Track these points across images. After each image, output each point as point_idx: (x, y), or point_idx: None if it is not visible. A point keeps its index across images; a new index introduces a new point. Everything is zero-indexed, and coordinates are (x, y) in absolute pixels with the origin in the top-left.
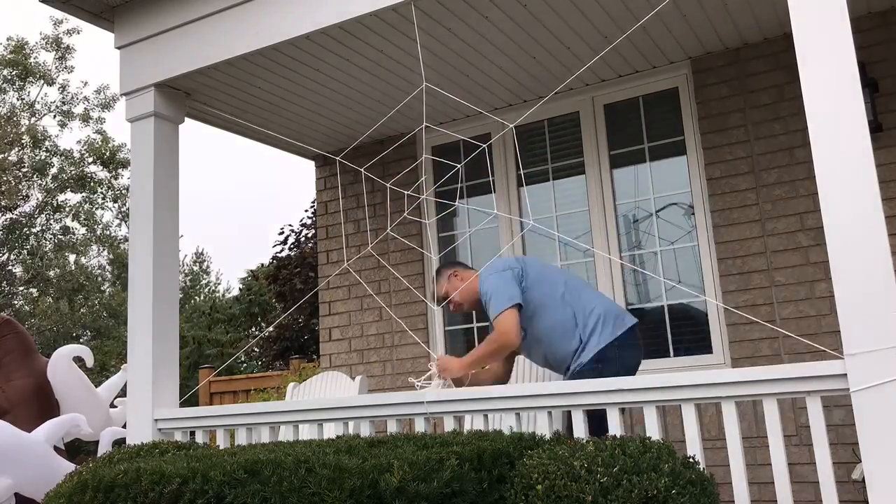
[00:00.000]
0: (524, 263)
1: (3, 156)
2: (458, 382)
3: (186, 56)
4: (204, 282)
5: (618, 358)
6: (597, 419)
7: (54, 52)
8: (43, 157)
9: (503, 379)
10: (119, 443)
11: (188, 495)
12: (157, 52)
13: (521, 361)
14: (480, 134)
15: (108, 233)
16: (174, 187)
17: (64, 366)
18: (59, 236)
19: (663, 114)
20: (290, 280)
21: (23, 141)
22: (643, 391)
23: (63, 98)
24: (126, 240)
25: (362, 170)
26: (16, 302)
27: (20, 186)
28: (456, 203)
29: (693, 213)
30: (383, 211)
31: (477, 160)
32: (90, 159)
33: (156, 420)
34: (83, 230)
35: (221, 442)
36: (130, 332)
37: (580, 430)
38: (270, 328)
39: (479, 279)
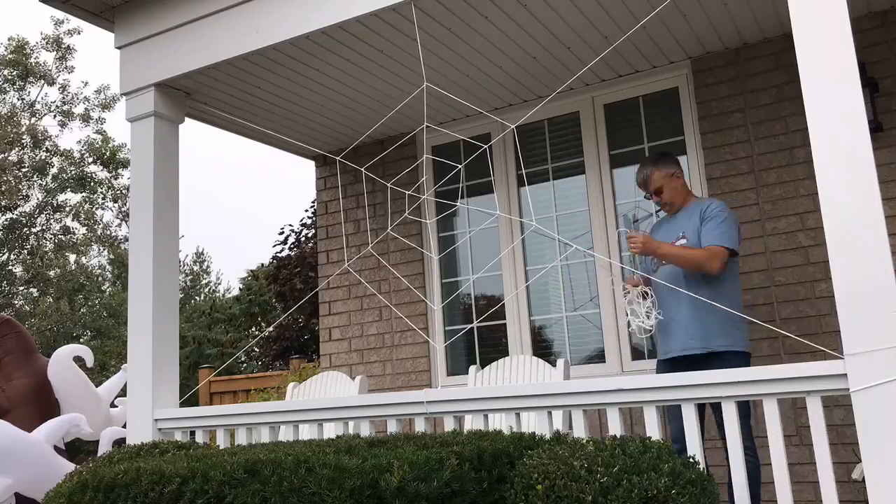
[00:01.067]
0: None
1: (3, 155)
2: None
3: (186, 56)
4: (204, 282)
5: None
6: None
7: (55, 52)
8: (43, 157)
9: None
10: (119, 442)
11: (188, 495)
12: (157, 51)
13: (521, 361)
14: (481, 134)
15: (108, 233)
16: (174, 187)
17: (64, 366)
18: (60, 236)
19: (663, 114)
20: (291, 280)
21: (23, 141)
22: (643, 391)
23: (63, 98)
24: (126, 240)
25: (362, 169)
26: (16, 302)
27: (20, 186)
28: (456, 203)
29: None
30: (383, 211)
31: (477, 160)
32: (90, 159)
33: (156, 420)
34: (83, 230)
35: (221, 442)
36: (130, 332)
37: (580, 429)
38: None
39: (708, 199)
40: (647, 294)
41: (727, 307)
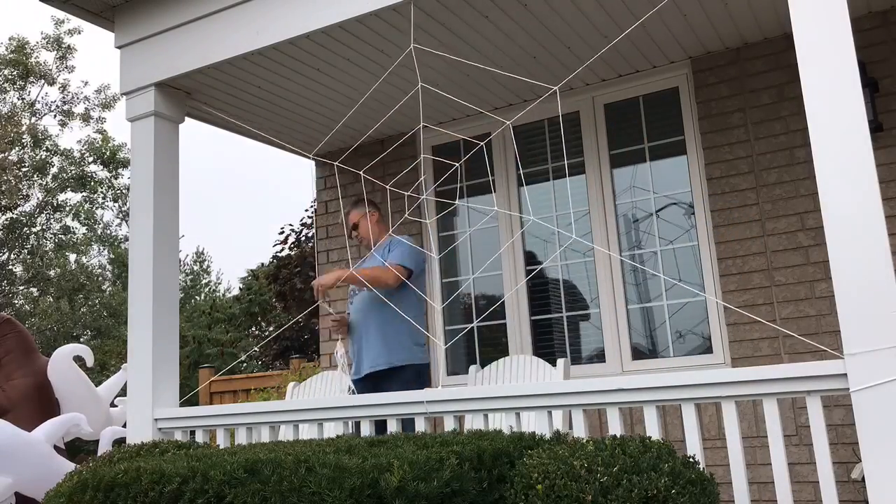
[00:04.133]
0: (428, 263)
1: (3, 155)
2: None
3: (187, 55)
4: (204, 281)
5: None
6: None
7: (55, 52)
8: (43, 157)
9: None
10: (119, 442)
11: (188, 495)
12: (157, 51)
13: (521, 361)
14: (480, 133)
15: (108, 232)
16: (174, 187)
17: (64, 365)
18: (60, 236)
19: (663, 113)
20: (291, 280)
21: (23, 140)
22: (643, 391)
23: (64, 98)
24: (126, 239)
25: (361, 172)
26: (16, 301)
27: (21, 186)
28: (456, 202)
29: (693, 213)
30: (383, 211)
31: (477, 160)
32: (90, 159)
33: (156, 419)
34: (83, 230)
35: (221, 441)
36: (130, 332)
37: (580, 429)
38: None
39: (392, 234)
40: (338, 343)
41: (407, 325)
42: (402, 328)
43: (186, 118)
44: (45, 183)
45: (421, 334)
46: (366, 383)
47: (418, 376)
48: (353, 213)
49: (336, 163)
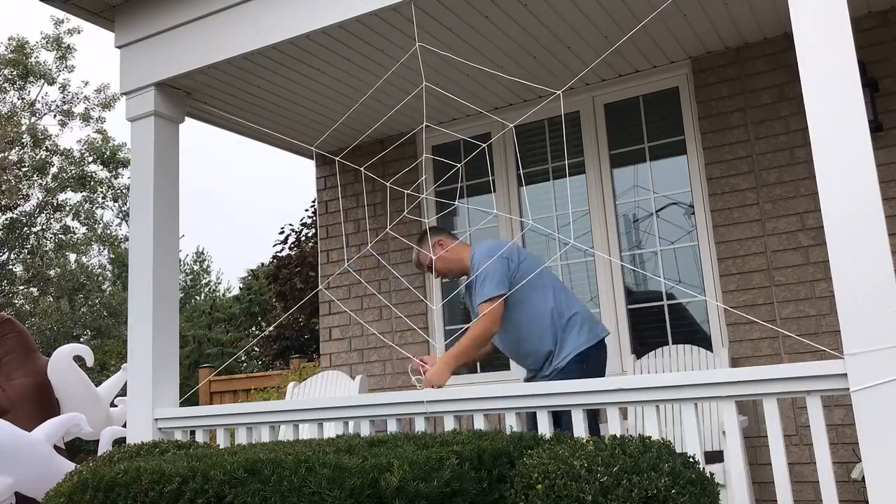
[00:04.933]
0: (518, 256)
1: (3, 155)
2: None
3: (187, 55)
4: (204, 281)
5: (598, 359)
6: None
7: (55, 52)
8: (43, 157)
9: (491, 355)
10: (119, 442)
11: (188, 494)
12: (157, 51)
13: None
14: (480, 133)
15: (108, 232)
16: (174, 187)
17: (64, 365)
18: (60, 235)
19: (663, 113)
20: (291, 279)
21: (23, 140)
22: (643, 391)
23: (63, 97)
24: (126, 239)
25: (362, 169)
26: (16, 301)
27: (20, 186)
28: (456, 202)
29: (693, 213)
30: (383, 210)
31: (477, 160)
32: (90, 159)
33: (156, 419)
34: (83, 229)
35: (221, 441)
36: (130, 332)
37: (580, 429)
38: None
39: (470, 256)
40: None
41: (539, 334)
42: (541, 336)
43: (186, 118)
44: (45, 183)
45: (563, 323)
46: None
47: (582, 362)
48: (422, 256)
49: (339, 158)
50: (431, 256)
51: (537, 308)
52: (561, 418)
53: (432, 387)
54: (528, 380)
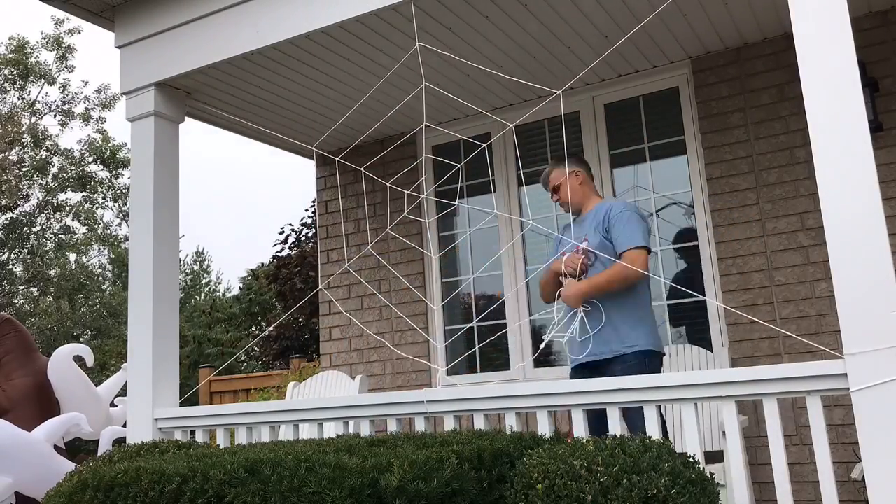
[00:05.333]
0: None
1: (3, 155)
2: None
3: (187, 55)
4: (204, 281)
5: (657, 367)
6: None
7: (55, 52)
8: (43, 157)
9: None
10: (119, 442)
11: (188, 494)
12: (157, 51)
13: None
14: (481, 133)
15: (108, 232)
16: (174, 186)
17: (64, 365)
18: (60, 235)
19: (663, 113)
20: (291, 279)
21: (23, 140)
22: (643, 391)
23: (64, 97)
24: (126, 239)
25: (362, 169)
26: (16, 301)
27: (21, 186)
28: (456, 202)
29: (693, 213)
30: (383, 210)
31: (477, 160)
32: (90, 159)
33: (156, 419)
34: (83, 229)
35: (221, 441)
36: (131, 332)
37: (580, 429)
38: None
39: (602, 204)
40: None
41: (637, 308)
42: (631, 312)
43: (186, 118)
44: (45, 183)
45: (652, 317)
46: (581, 371)
47: (645, 363)
48: (555, 174)
49: (339, 158)
50: (560, 180)
51: (644, 291)
52: (628, 413)
53: (565, 301)
54: (579, 366)
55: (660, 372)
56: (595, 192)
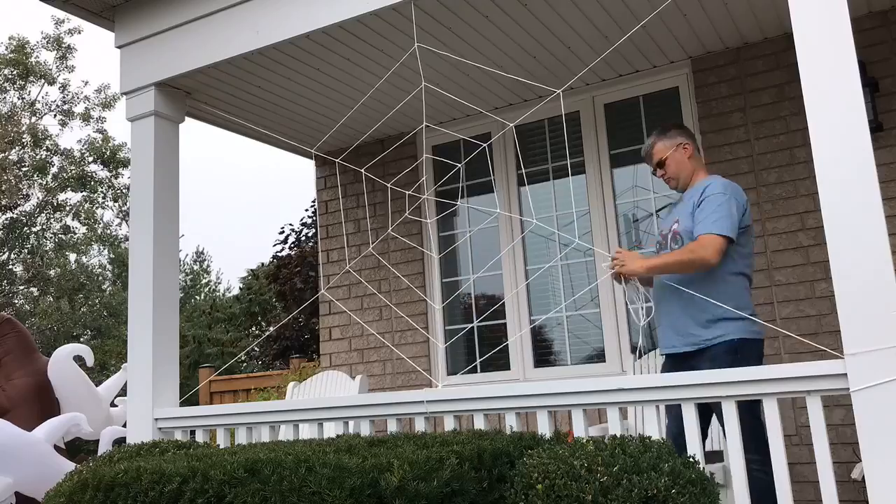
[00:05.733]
0: (749, 218)
1: (3, 155)
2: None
3: (187, 55)
4: (204, 281)
5: (755, 355)
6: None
7: (55, 52)
8: (43, 157)
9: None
10: (119, 442)
11: (188, 494)
12: (157, 51)
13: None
14: (481, 133)
15: (108, 232)
16: (174, 186)
17: (64, 365)
18: (60, 235)
19: (664, 113)
20: (291, 279)
21: (23, 140)
22: (643, 391)
23: (64, 97)
24: (126, 239)
25: (362, 170)
26: (16, 301)
27: (21, 185)
28: (456, 202)
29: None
30: (384, 210)
31: (477, 160)
32: (90, 158)
33: (156, 419)
34: (83, 229)
35: (222, 441)
36: (130, 332)
37: (580, 429)
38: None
39: (706, 179)
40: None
41: (720, 296)
42: (707, 299)
43: (186, 118)
44: (45, 183)
45: (737, 303)
46: (671, 363)
47: (734, 353)
48: (658, 146)
49: (338, 160)
50: (666, 153)
51: (739, 269)
52: (710, 408)
53: (621, 275)
54: (670, 357)
55: (760, 359)
56: (703, 166)
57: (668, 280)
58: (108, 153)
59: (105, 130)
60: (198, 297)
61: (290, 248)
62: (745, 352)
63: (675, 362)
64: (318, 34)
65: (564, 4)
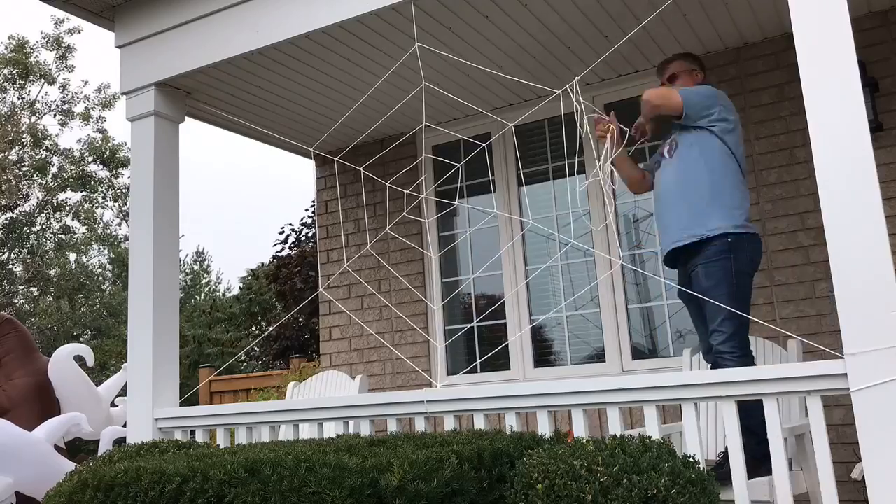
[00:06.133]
0: (734, 122)
1: (3, 155)
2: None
3: (187, 55)
4: (204, 281)
5: (752, 251)
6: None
7: (55, 52)
8: (43, 156)
9: (637, 180)
10: (119, 442)
11: (188, 494)
12: (157, 51)
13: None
14: (481, 133)
15: (108, 232)
16: (174, 186)
17: (65, 365)
18: (60, 235)
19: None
20: (291, 279)
21: (23, 140)
22: (643, 391)
23: (63, 97)
24: (126, 239)
25: (362, 169)
26: (16, 301)
27: (20, 185)
28: (456, 202)
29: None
30: (383, 210)
31: (477, 159)
32: (90, 158)
33: (156, 419)
34: (83, 229)
35: (222, 441)
36: (131, 332)
37: (580, 428)
38: (272, 328)
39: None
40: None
41: (721, 189)
42: (700, 191)
43: (186, 118)
44: (45, 182)
45: (731, 196)
46: (673, 256)
47: (728, 252)
48: (677, 62)
49: (337, 158)
50: (684, 72)
51: (718, 163)
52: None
53: (611, 132)
54: (673, 255)
55: (753, 255)
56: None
57: (673, 180)
58: (107, 153)
59: (105, 130)
60: (198, 297)
61: (290, 248)
62: (739, 246)
63: (680, 262)
64: (318, 34)
65: (565, 4)
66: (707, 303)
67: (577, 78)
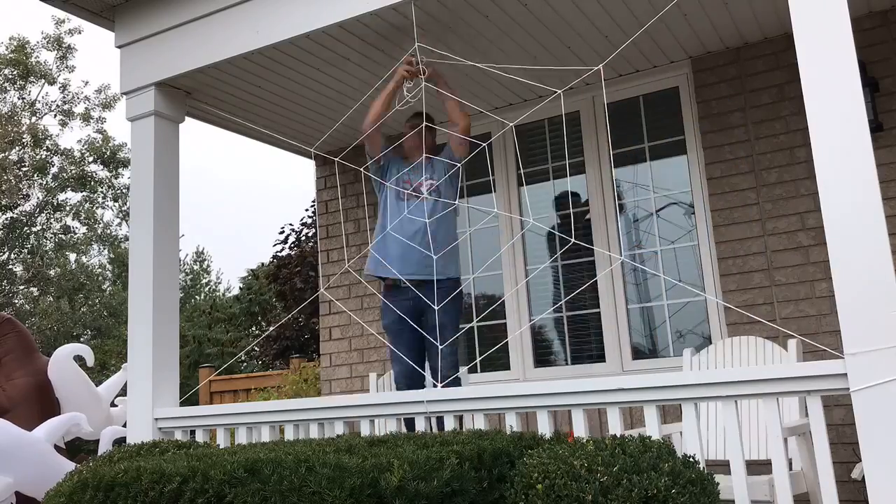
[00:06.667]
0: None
1: (3, 155)
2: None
3: (187, 55)
4: (204, 281)
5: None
6: None
7: (55, 52)
8: (43, 157)
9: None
10: (119, 442)
11: (188, 494)
12: (157, 51)
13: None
14: (481, 133)
15: (108, 232)
16: (174, 186)
17: (65, 365)
18: (60, 235)
19: (664, 113)
20: (291, 279)
21: (24, 140)
22: (643, 391)
23: (64, 97)
24: (126, 239)
25: (362, 169)
26: (16, 301)
27: (21, 185)
28: (456, 202)
29: (693, 213)
30: None
31: (477, 160)
32: (91, 158)
33: (156, 419)
34: (84, 229)
35: (222, 441)
36: (131, 332)
37: (580, 428)
38: (273, 328)
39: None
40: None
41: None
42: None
43: (187, 117)
44: (45, 183)
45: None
46: (402, 288)
47: (455, 286)
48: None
49: (338, 159)
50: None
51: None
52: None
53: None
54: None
55: (461, 296)
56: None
57: (425, 224)
58: (108, 153)
59: (105, 130)
60: (198, 297)
61: (290, 248)
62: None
63: (408, 290)
64: (319, 34)
65: (564, 4)
66: None
67: (601, 65)
